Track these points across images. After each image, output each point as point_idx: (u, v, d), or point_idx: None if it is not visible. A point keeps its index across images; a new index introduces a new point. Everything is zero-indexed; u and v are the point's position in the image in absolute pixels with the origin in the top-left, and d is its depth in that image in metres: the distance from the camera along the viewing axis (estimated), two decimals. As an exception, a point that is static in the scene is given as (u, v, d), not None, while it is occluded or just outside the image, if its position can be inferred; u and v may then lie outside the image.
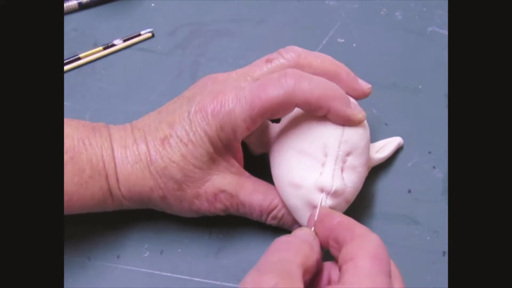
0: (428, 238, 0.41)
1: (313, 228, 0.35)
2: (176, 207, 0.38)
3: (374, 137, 0.45)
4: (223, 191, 0.37)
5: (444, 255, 0.40)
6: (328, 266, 0.33)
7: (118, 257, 0.40)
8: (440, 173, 0.44)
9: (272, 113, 0.36)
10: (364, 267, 0.29)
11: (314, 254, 0.32)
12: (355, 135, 0.37)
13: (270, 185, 0.39)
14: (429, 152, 0.45)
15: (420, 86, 0.48)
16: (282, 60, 0.38)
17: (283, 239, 0.32)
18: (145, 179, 0.36)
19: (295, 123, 0.38)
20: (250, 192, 0.38)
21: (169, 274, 0.40)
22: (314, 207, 0.36)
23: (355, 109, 0.37)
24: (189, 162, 0.36)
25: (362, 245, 0.31)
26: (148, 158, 0.36)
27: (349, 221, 0.33)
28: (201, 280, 0.40)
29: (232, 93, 0.36)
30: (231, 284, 0.39)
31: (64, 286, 0.39)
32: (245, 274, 0.40)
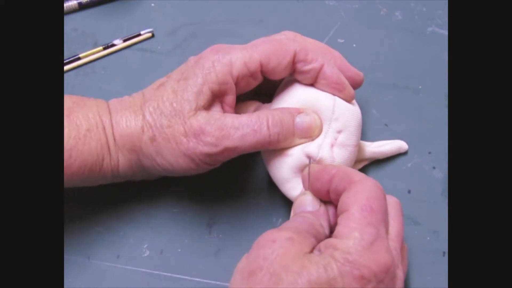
0: (428, 238, 0.41)
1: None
2: (165, 150, 0.37)
3: (374, 137, 0.45)
4: (208, 122, 0.36)
5: (444, 255, 0.40)
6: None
7: (118, 257, 0.40)
8: (440, 173, 0.44)
9: (272, 56, 0.37)
10: (353, 218, 0.32)
11: (322, 229, 0.34)
12: (346, 114, 0.38)
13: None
14: (429, 153, 0.45)
15: (420, 86, 0.48)
16: (282, 36, 0.40)
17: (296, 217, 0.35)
18: (137, 119, 0.37)
19: (285, 101, 0.39)
20: (236, 116, 0.37)
21: (169, 274, 0.40)
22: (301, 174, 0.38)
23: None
24: (179, 95, 0.36)
25: (355, 195, 0.33)
26: (142, 101, 0.38)
27: (346, 170, 0.35)
28: (201, 280, 0.40)
29: (234, 45, 0.38)
30: (231, 284, 0.39)
31: (64, 286, 0.39)
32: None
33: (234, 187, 0.43)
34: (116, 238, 0.41)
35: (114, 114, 0.37)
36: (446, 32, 0.51)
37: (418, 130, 0.46)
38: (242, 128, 0.36)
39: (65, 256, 0.40)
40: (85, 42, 0.50)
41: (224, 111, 0.38)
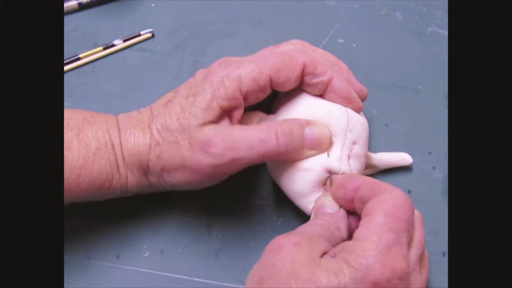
0: (428, 238, 0.41)
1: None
2: (171, 167, 0.36)
3: (374, 137, 0.45)
4: (215, 134, 0.35)
5: (444, 255, 0.40)
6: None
7: (118, 257, 0.40)
8: (440, 174, 0.44)
9: (281, 70, 0.36)
10: (375, 222, 0.31)
11: (339, 232, 0.34)
12: (359, 125, 0.38)
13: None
14: (429, 153, 0.45)
15: (420, 86, 0.48)
16: (290, 46, 0.40)
17: (315, 221, 0.35)
18: (145, 137, 0.37)
19: (294, 113, 0.38)
20: (244, 128, 0.36)
21: (169, 274, 0.40)
22: (323, 188, 0.37)
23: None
24: (187, 111, 0.36)
25: (382, 201, 0.32)
26: (150, 118, 0.37)
27: (373, 180, 0.35)
28: (201, 280, 0.40)
29: (242, 58, 0.37)
30: (231, 284, 0.39)
31: (64, 286, 0.39)
32: (245, 274, 0.40)
33: (234, 187, 0.43)
34: (116, 238, 0.41)
35: (123, 132, 0.37)
36: (446, 32, 0.51)
37: (418, 130, 0.46)
38: (250, 138, 0.35)
39: (65, 256, 0.40)
40: (85, 42, 0.50)
41: (232, 124, 0.37)
